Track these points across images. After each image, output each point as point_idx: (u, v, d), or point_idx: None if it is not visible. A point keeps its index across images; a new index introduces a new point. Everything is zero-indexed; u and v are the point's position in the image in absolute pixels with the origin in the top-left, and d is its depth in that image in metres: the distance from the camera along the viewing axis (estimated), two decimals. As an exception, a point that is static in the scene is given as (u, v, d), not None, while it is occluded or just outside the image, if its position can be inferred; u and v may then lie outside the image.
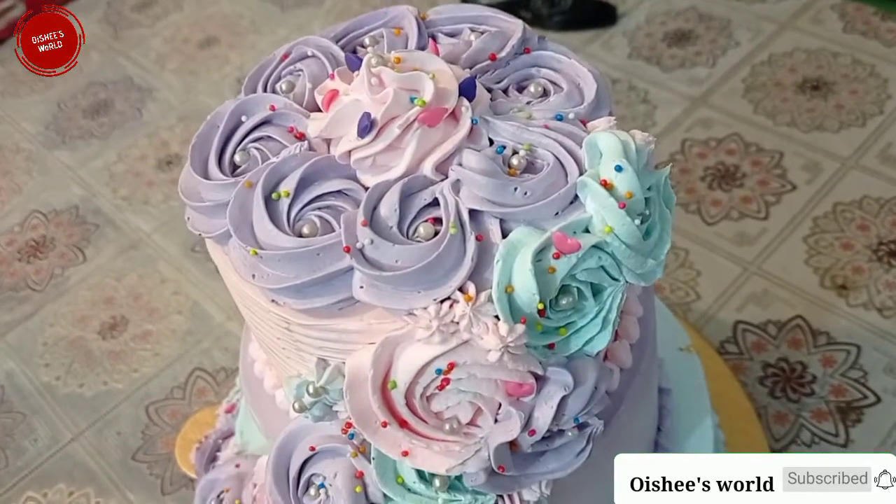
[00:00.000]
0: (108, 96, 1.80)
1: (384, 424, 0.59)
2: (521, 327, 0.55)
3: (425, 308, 0.55)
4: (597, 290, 0.60)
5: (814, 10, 1.61)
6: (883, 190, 1.28)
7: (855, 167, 1.33)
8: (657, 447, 0.89)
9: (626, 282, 0.60)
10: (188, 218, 0.67)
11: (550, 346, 0.60)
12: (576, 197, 0.59)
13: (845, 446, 1.03)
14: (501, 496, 0.67)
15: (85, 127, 1.74)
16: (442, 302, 0.56)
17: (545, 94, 0.66)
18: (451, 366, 0.56)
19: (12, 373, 1.33)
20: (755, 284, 1.20)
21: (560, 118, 0.62)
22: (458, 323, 0.56)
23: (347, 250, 0.56)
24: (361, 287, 0.57)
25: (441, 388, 0.58)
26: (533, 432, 0.59)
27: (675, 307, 1.17)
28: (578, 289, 0.58)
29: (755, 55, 1.54)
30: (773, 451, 1.03)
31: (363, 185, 0.61)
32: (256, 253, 0.58)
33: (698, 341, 1.11)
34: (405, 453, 0.60)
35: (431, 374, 0.57)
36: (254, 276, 0.59)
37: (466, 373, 0.57)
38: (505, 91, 0.67)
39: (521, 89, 0.67)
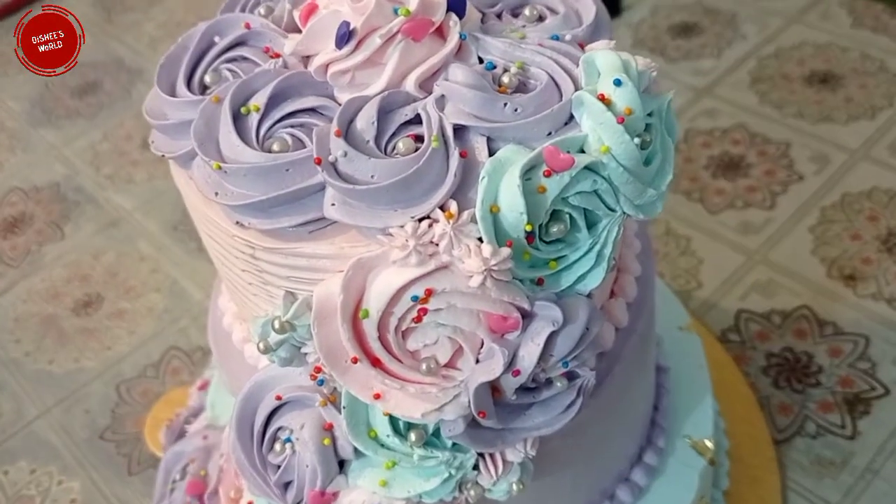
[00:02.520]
0: (97, 77, 1.75)
1: (354, 361, 0.53)
2: (506, 251, 0.50)
3: (402, 226, 0.50)
4: (591, 223, 0.54)
5: (822, 5, 1.57)
6: (893, 181, 1.23)
7: (864, 158, 1.28)
8: (654, 426, 0.83)
9: (624, 213, 0.55)
10: (152, 141, 0.62)
11: (539, 282, 0.54)
12: (571, 118, 0.54)
13: (852, 438, 0.97)
14: (483, 456, 0.62)
15: (72, 106, 1.70)
16: (420, 220, 0.51)
17: (541, 19, 0.61)
18: (429, 293, 0.51)
19: (-20, 347, 1.27)
20: (759, 273, 1.15)
21: (556, 39, 0.58)
22: (437, 244, 0.50)
23: (318, 162, 0.51)
24: (333, 204, 0.52)
25: (418, 320, 0.52)
26: (517, 373, 0.54)
27: (675, 294, 1.11)
28: (571, 216, 0.53)
29: (762, 48, 1.50)
30: (776, 442, 0.98)
31: (339, 104, 0.56)
32: (220, 167, 0.53)
33: (699, 329, 1.06)
34: (377, 396, 0.55)
35: (407, 302, 0.51)
36: (217, 193, 0.54)
37: (445, 302, 0.52)
38: (498, 16, 0.62)
39: (515, 15, 0.62)
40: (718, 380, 0.92)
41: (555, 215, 0.53)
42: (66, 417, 1.16)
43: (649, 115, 0.55)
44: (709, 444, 0.82)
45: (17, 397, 1.19)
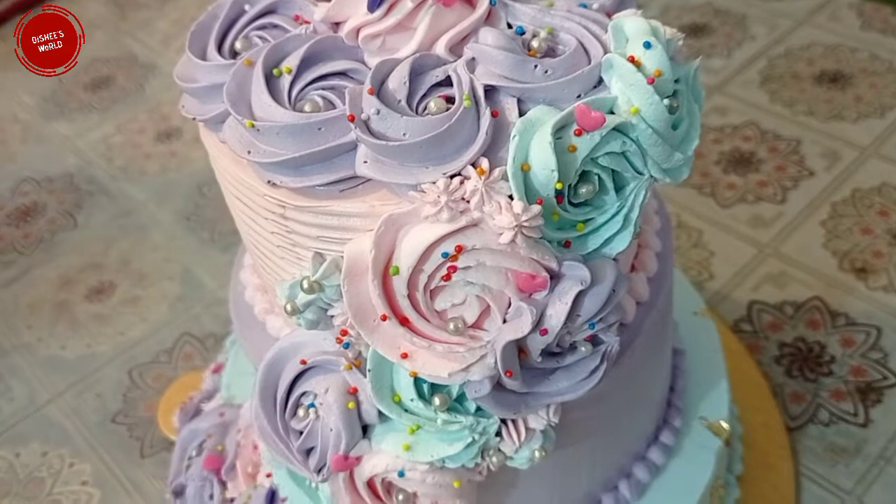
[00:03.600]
0: (110, 72, 1.76)
1: (384, 318, 0.54)
2: (536, 208, 0.51)
3: (433, 182, 0.51)
4: (619, 186, 0.55)
5: (831, 7, 1.58)
6: (903, 178, 1.25)
7: (874, 155, 1.29)
8: (670, 406, 0.83)
9: (651, 177, 0.56)
10: (182, 106, 0.62)
11: (566, 245, 0.55)
12: (600, 81, 0.55)
13: (865, 426, 0.97)
14: (505, 423, 0.62)
15: (85, 100, 1.71)
16: (452, 177, 0.51)
17: (569, -11, 0.62)
18: (459, 249, 0.51)
19: (-8, 333, 1.28)
20: (771, 266, 1.15)
21: (584, 7, 0.59)
22: (468, 201, 0.51)
23: (352, 119, 0.52)
24: (365, 162, 0.53)
25: (447, 278, 0.53)
26: (545, 332, 0.54)
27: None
28: (599, 178, 0.54)
29: (772, 48, 1.51)
30: (788, 429, 0.98)
31: (370, 68, 0.57)
32: (253, 125, 0.54)
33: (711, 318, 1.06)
34: (404, 355, 0.55)
35: (437, 259, 0.52)
36: (249, 152, 0.55)
37: (475, 260, 0.52)
38: (526, -13, 0.63)
39: (543, -14, 0.63)
40: (731, 368, 0.92)
41: (584, 176, 0.54)
42: (77, 401, 1.16)
43: (676, 81, 0.56)
44: (724, 425, 0.83)
45: (29, 382, 1.19)
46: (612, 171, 0.54)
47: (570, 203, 0.54)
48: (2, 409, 1.17)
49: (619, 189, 0.55)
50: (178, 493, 0.86)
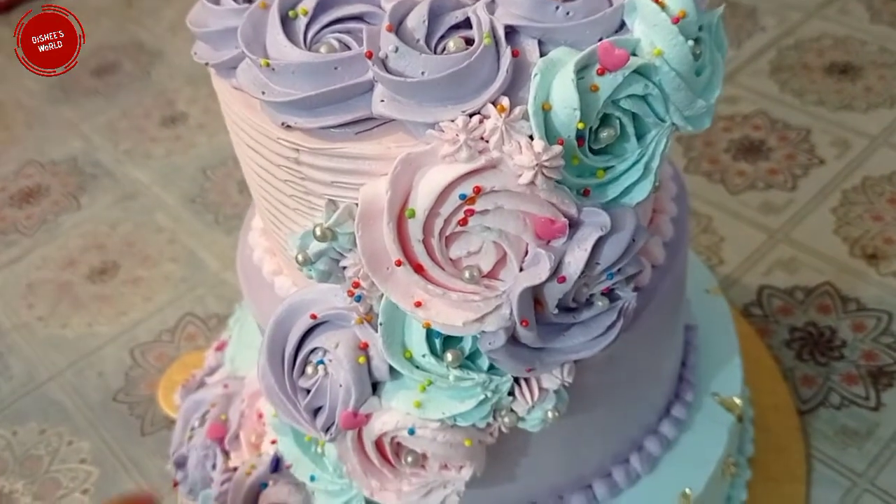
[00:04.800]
0: (116, 58, 1.76)
1: (398, 264, 0.52)
2: (557, 148, 0.49)
3: (452, 120, 0.50)
4: (640, 134, 0.54)
5: (840, 1, 1.58)
6: (914, 167, 1.24)
7: (884, 144, 1.28)
8: (682, 381, 0.82)
9: (673, 124, 0.54)
10: (195, 52, 0.61)
11: (585, 193, 0.54)
12: (622, 26, 0.54)
13: (876, 409, 0.96)
14: (518, 382, 0.61)
15: (90, 86, 1.70)
16: (471, 116, 0.50)
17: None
18: (477, 190, 0.50)
19: (-9, 311, 1.26)
20: (782, 251, 1.14)
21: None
22: (487, 141, 0.50)
23: (369, 56, 0.51)
24: (382, 101, 0.51)
25: (463, 222, 0.52)
26: (563, 279, 0.53)
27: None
28: (621, 123, 0.53)
29: (781, 40, 1.51)
30: (800, 413, 0.96)
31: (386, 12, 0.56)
32: (269, 64, 0.53)
33: (721, 301, 1.05)
34: (418, 304, 0.54)
35: (454, 201, 0.51)
36: (264, 93, 0.54)
37: (493, 203, 0.51)
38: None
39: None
40: (742, 351, 0.91)
41: (605, 120, 0.52)
42: (78, 380, 1.14)
43: (699, 29, 0.55)
44: (737, 400, 0.81)
45: (29, 360, 1.18)
46: (634, 116, 0.53)
47: (591, 150, 0.53)
48: (0, 387, 1.15)
49: (640, 137, 0.54)
50: (180, 463, 0.85)
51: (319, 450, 0.71)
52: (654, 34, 0.52)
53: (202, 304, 1.21)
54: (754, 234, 1.17)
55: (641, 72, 0.52)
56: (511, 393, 0.61)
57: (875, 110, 1.34)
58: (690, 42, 0.52)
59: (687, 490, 0.75)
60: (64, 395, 1.13)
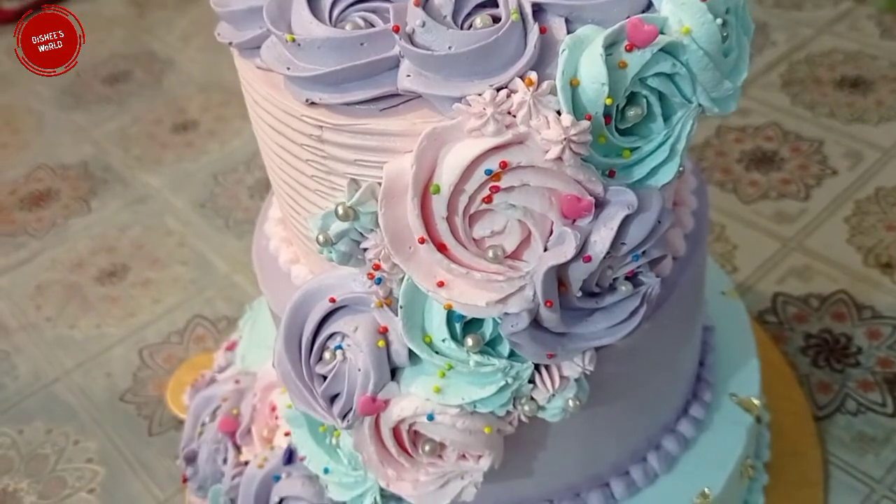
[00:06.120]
0: (128, 67, 1.76)
1: (421, 241, 0.52)
2: (585, 123, 0.49)
3: (479, 94, 0.49)
4: (667, 115, 0.54)
5: (850, 18, 1.58)
6: (927, 179, 1.23)
7: (897, 156, 1.28)
8: (699, 381, 0.81)
9: (699, 106, 0.54)
10: (218, 33, 0.61)
11: (611, 174, 0.53)
12: (649, 6, 0.53)
13: (893, 416, 0.94)
14: (539, 370, 0.60)
15: (102, 93, 1.70)
16: (498, 91, 0.50)
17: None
18: (504, 165, 0.50)
19: (-1, 312, 1.25)
20: (795, 260, 1.14)
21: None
22: (514, 115, 0.50)
23: (396, 30, 0.50)
24: (408, 76, 0.51)
25: (488, 199, 0.51)
26: (588, 259, 0.52)
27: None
28: (648, 102, 0.52)
29: (792, 54, 1.51)
30: (816, 419, 0.95)
31: (413, -7, 0.56)
32: (294, 39, 0.53)
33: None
34: (440, 284, 0.53)
35: (480, 176, 0.50)
36: (289, 68, 0.54)
37: (519, 180, 0.51)
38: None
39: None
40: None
41: (632, 98, 0.52)
42: (85, 380, 1.13)
43: (726, 11, 0.54)
44: (755, 401, 0.80)
45: (36, 360, 1.17)
46: (661, 97, 0.53)
47: (617, 130, 0.52)
48: (6, 387, 1.14)
49: (666, 118, 0.54)
50: (190, 459, 0.84)
51: (334, 441, 0.70)
52: (682, 12, 0.51)
53: (211, 306, 1.21)
54: (768, 242, 1.17)
55: (669, 50, 0.51)
56: (531, 381, 0.60)
57: (887, 123, 1.34)
58: (719, 20, 0.51)
59: (706, 489, 0.73)
60: (71, 395, 1.12)
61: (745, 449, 0.77)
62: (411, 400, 0.60)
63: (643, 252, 0.55)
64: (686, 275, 0.68)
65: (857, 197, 1.22)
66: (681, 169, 0.55)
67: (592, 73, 0.49)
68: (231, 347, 1.03)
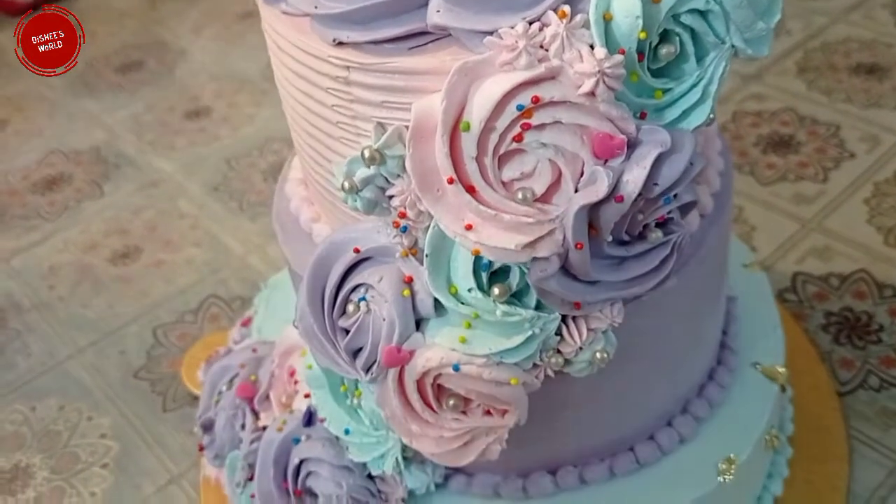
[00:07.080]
0: (140, 57, 1.77)
1: (450, 181, 0.51)
2: (619, 56, 0.48)
3: (512, 27, 0.49)
4: (700, 56, 0.53)
5: (865, 7, 1.58)
6: (946, 162, 1.22)
7: (916, 140, 1.27)
8: (724, 348, 0.80)
9: (732, 46, 0.53)
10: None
11: (642, 116, 0.53)
12: (681, -53, 0.53)
13: (919, 392, 0.93)
14: (566, 323, 0.59)
15: (114, 81, 1.71)
16: (531, 24, 0.49)
17: None
18: (536, 100, 0.49)
19: (11, 292, 1.25)
20: (815, 240, 1.13)
21: None
22: (547, 49, 0.49)
23: (427, -36, 0.50)
24: (438, 11, 0.51)
25: (519, 138, 0.50)
26: (620, 198, 0.51)
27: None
28: (680, 41, 0.52)
29: (808, 42, 1.51)
30: (839, 394, 0.94)
31: (441, -64, 0.55)
32: (322, -23, 0.52)
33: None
34: (469, 227, 0.52)
35: (511, 112, 0.50)
36: (316, 7, 0.53)
37: (551, 117, 0.50)
38: None
39: None
40: (778, 331, 0.89)
41: (665, 36, 0.51)
42: (98, 358, 1.13)
43: (757, -46, 0.54)
44: (780, 369, 0.79)
45: (49, 339, 1.17)
46: (693, 36, 0.52)
47: (650, 71, 0.52)
48: (18, 365, 1.14)
49: (699, 59, 0.53)
50: (207, 427, 0.83)
51: (355, 401, 0.70)
52: (716, -52, 0.51)
53: (225, 286, 1.20)
54: (787, 223, 1.16)
55: (703, -13, 0.51)
56: (559, 333, 0.59)
57: (904, 108, 1.33)
58: (753, -43, 0.51)
59: (732, 455, 0.72)
60: (84, 372, 1.11)
61: (770, 416, 0.76)
62: (436, 350, 0.59)
63: (675, 196, 0.54)
64: (712, 233, 0.67)
65: (876, 179, 1.21)
66: (711, 116, 0.54)
67: (626, 7, 0.49)
68: (246, 323, 1.02)
